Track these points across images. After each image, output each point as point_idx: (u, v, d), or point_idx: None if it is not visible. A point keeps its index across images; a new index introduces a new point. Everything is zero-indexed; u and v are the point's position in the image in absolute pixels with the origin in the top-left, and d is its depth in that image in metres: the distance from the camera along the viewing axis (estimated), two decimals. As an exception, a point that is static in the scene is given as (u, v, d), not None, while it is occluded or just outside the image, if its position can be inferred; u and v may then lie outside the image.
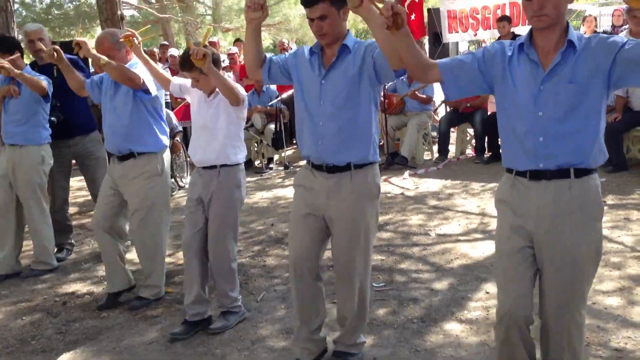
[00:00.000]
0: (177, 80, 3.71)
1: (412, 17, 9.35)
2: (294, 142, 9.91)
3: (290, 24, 18.80)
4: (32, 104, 4.46)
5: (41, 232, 4.59)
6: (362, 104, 2.69)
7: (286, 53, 2.93)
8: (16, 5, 8.98)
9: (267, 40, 23.46)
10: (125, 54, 3.81)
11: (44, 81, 4.39)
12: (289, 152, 8.93)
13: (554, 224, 2.18)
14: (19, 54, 4.48)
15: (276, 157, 8.69)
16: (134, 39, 3.61)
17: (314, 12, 2.58)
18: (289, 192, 6.86)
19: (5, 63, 4.09)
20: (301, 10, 18.55)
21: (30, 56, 5.31)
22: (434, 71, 2.29)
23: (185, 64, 3.28)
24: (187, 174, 7.77)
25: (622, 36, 2.14)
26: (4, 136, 4.59)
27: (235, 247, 3.55)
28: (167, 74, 3.81)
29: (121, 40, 3.67)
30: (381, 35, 2.30)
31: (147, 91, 3.70)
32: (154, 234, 3.86)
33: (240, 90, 3.33)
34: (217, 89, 3.34)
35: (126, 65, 3.72)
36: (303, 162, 8.01)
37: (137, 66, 3.74)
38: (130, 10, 18.10)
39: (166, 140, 3.94)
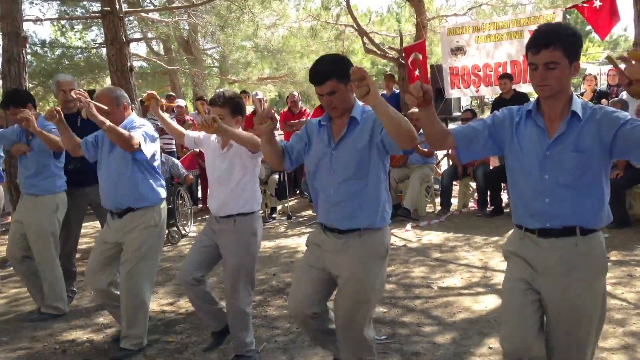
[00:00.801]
0: (191, 133, 3.82)
1: (417, 72, 9.59)
2: (297, 192, 9.98)
3: (296, 76, 19.16)
4: (45, 157, 4.58)
5: (53, 279, 4.64)
6: (371, 173, 2.79)
7: (297, 132, 3.10)
8: (28, 57, 9.21)
9: (272, 92, 23.89)
10: (123, 109, 3.87)
11: (59, 137, 4.42)
12: (292, 202, 8.97)
13: (560, 278, 2.29)
14: (31, 106, 4.62)
15: (279, 207, 8.73)
16: (154, 100, 3.73)
17: (324, 89, 2.73)
18: (291, 242, 6.88)
19: (29, 115, 4.18)
20: (306, 63, 19.01)
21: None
22: (449, 139, 2.46)
23: (217, 100, 3.44)
24: (191, 223, 7.80)
25: (627, 113, 2.27)
26: (21, 186, 4.74)
27: (251, 293, 3.58)
28: (180, 127, 3.90)
29: (144, 99, 3.79)
30: (387, 122, 2.41)
31: (140, 150, 3.72)
32: (141, 285, 3.85)
33: (256, 137, 3.32)
34: (230, 141, 3.43)
35: (125, 122, 3.81)
36: (306, 212, 7.95)
37: (135, 124, 3.81)
38: (139, 61, 18.52)
39: (163, 193, 3.96)
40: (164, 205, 3.99)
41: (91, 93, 6.76)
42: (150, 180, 3.89)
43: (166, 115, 3.95)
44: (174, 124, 3.91)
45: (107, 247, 3.90)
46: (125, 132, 3.64)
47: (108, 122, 3.58)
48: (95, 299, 4.10)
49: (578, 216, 2.27)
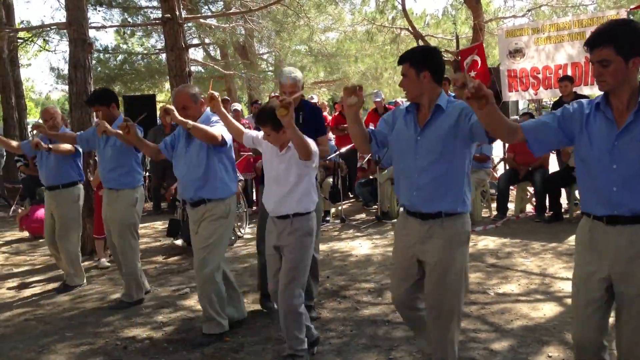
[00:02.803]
0: (250, 132, 3.90)
1: (472, 74, 9.42)
2: (351, 195, 9.99)
3: (350, 80, 19.18)
4: (125, 153, 4.89)
5: (134, 269, 4.99)
6: (455, 160, 2.90)
7: (383, 117, 3.24)
8: (93, 62, 9.58)
9: (326, 95, 23.98)
10: (200, 105, 4.14)
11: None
12: (345, 205, 8.98)
13: (629, 265, 2.39)
14: (115, 106, 5.01)
15: (333, 210, 8.75)
16: (215, 99, 3.84)
17: (402, 72, 2.96)
18: (344, 246, 6.89)
19: (104, 126, 4.56)
20: (360, 67, 19.01)
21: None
22: (519, 133, 2.56)
23: (260, 117, 3.45)
24: (245, 225, 7.92)
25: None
26: (103, 181, 5.06)
27: (302, 293, 3.62)
28: (240, 126, 4.01)
29: (204, 99, 3.99)
30: (480, 116, 2.51)
31: (223, 143, 4.02)
32: (212, 273, 4.06)
33: (312, 146, 3.43)
34: (288, 144, 3.48)
35: (202, 117, 4.10)
36: (360, 216, 7.95)
37: (212, 118, 4.10)
38: (196, 66, 18.94)
39: (234, 187, 4.21)
40: (234, 198, 4.23)
41: (151, 97, 7.22)
42: (225, 175, 4.14)
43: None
44: (235, 121, 4.01)
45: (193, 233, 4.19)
46: (208, 128, 3.93)
47: (191, 122, 3.88)
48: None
49: None
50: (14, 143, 5.78)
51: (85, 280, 5.69)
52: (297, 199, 3.53)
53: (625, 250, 2.39)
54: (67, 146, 5.38)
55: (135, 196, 4.97)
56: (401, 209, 3.17)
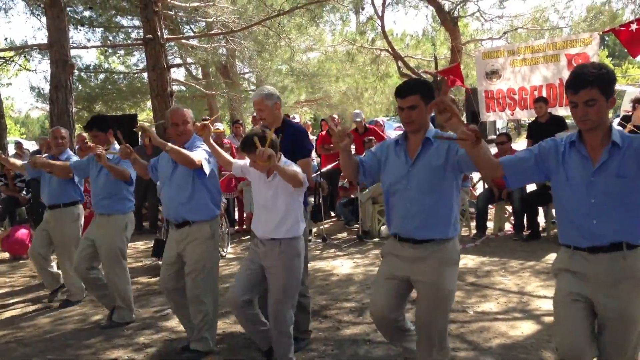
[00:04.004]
0: (238, 162, 3.98)
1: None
2: (332, 214, 10.05)
3: (331, 99, 19.36)
4: (117, 182, 4.95)
5: (124, 291, 5.06)
6: (444, 189, 3.08)
7: (372, 149, 3.42)
8: (74, 80, 9.62)
9: (307, 114, 24.13)
10: (190, 127, 4.26)
11: (127, 170, 4.87)
12: (327, 224, 9.03)
13: (610, 288, 2.54)
14: (111, 132, 5.07)
15: (314, 229, 8.80)
16: (207, 130, 3.88)
17: (406, 102, 3.04)
18: (326, 265, 6.93)
19: (102, 153, 4.60)
20: (341, 86, 19.19)
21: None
22: (499, 169, 2.75)
23: (245, 146, 3.49)
24: (227, 244, 7.93)
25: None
26: (94, 207, 5.14)
27: (292, 315, 3.72)
28: (228, 156, 4.10)
29: (195, 129, 4.01)
30: (471, 154, 2.71)
31: (201, 169, 4.07)
32: (207, 292, 4.16)
33: (300, 174, 3.48)
34: (274, 170, 3.51)
35: (190, 141, 4.22)
36: (341, 235, 7.96)
37: (197, 142, 4.19)
38: (178, 86, 18.96)
39: (218, 209, 4.30)
40: (217, 220, 4.32)
41: (133, 117, 7.36)
42: (208, 198, 4.21)
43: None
44: (223, 152, 4.07)
45: (172, 260, 4.23)
46: (186, 152, 4.02)
47: (170, 145, 3.96)
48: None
49: (624, 233, 2.53)
50: (19, 163, 6.01)
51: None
52: (288, 226, 3.60)
53: (605, 276, 2.55)
54: (64, 164, 5.49)
55: (126, 221, 5.06)
56: (383, 227, 3.33)
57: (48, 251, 5.84)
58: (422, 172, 3.07)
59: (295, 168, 3.52)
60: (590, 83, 2.49)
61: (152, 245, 7.34)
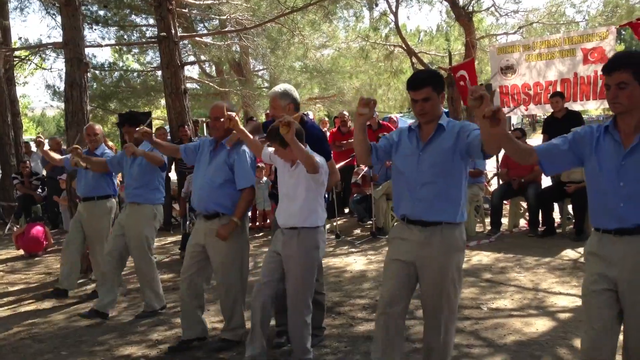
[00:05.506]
0: (267, 149, 4.02)
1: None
2: (346, 211, 10.03)
3: (344, 96, 19.29)
4: (150, 172, 5.20)
5: (152, 279, 5.23)
6: (454, 174, 3.12)
7: (386, 135, 3.48)
8: (89, 78, 9.68)
9: (321, 111, 24.09)
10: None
11: (162, 156, 5.10)
12: (340, 221, 9.01)
13: (635, 272, 2.55)
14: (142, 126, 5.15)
15: (328, 226, 8.77)
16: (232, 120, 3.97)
17: (419, 95, 3.09)
18: (339, 261, 6.92)
19: (132, 148, 4.92)
20: (355, 83, 19.13)
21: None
22: (533, 155, 2.77)
23: (270, 135, 3.63)
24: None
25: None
26: (126, 195, 5.36)
27: (310, 303, 3.77)
28: (259, 143, 4.15)
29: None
30: (484, 131, 2.69)
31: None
32: (235, 283, 4.27)
33: (318, 158, 3.60)
34: (298, 160, 3.61)
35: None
36: (355, 231, 7.93)
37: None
38: (191, 83, 19.02)
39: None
40: (247, 214, 4.44)
41: (148, 115, 7.57)
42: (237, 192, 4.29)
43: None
44: (255, 139, 4.14)
45: (197, 249, 4.31)
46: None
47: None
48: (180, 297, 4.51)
49: None
50: (57, 157, 6.20)
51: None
52: (305, 213, 3.68)
53: (631, 257, 2.56)
54: (100, 160, 5.66)
55: (155, 212, 5.26)
56: (395, 223, 3.30)
57: (82, 243, 5.99)
58: (434, 155, 3.11)
59: (317, 157, 3.60)
60: (624, 65, 2.50)
61: (172, 240, 7.38)
